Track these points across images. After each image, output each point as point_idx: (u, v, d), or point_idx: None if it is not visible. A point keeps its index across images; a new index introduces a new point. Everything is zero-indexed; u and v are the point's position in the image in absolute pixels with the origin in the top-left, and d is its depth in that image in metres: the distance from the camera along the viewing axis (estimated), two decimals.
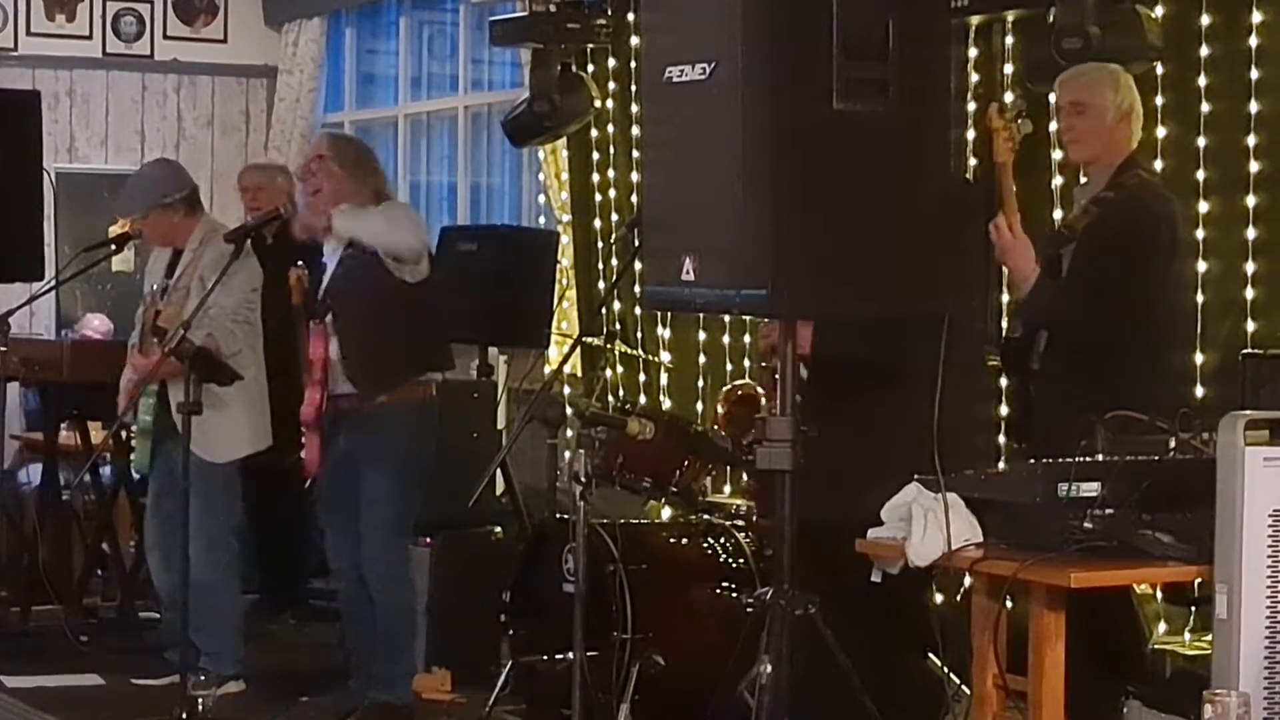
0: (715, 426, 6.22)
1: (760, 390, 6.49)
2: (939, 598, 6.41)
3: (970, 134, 7.08)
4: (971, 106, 7.08)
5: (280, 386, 6.84)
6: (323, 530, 6.75)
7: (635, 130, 8.35)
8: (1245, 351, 5.76)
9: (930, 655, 5.57)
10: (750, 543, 6.21)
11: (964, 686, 5.16)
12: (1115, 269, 5.31)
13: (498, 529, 7.41)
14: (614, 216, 8.89)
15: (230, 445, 6.63)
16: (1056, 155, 6.47)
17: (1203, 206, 6.24)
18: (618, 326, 8.76)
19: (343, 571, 6.54)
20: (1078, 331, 5.33)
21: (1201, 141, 6.29)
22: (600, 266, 9.05)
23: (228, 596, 6.83)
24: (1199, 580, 4.52)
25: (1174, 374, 5.53)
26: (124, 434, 7.48)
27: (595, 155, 9.01)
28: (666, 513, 7.20)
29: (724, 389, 6.36)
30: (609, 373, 8.65)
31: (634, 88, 8.43)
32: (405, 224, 6.30)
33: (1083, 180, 5.68)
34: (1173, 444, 4.58)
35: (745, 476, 6.55)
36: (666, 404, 8.45)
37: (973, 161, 7.07)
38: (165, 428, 6.71)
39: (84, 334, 9.56)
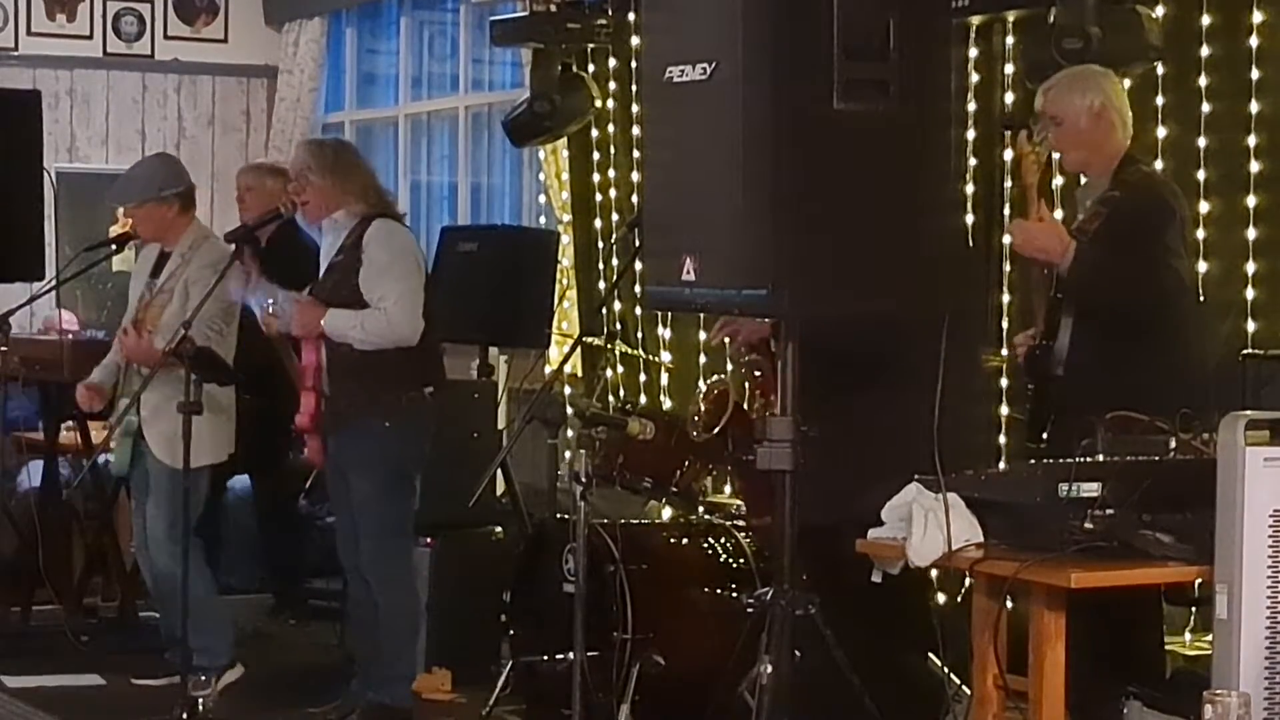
0: (696, 419, 6.16)
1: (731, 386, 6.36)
2: (940, 598, 6.42)
3: (970, 134, 7.08)
4: (972, 106, 7.08)
5: (272, 391, 6.83)
6: (323, 530, 6.76)
7: (635, 130, 8.34)
8: (1245, 351, 5.76)
9: (930, 655, 5.57)
10: (750, 543, 6.20)
11: (964, 686, 5.16)
12: (1137, 257, 5.30)
13: (498, 529, 7.41)
14: (614, 216, 8.89)
15: (192, 453, 6.58)
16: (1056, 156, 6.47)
17: (1203, 207, 6.24)
18: (618, 327, 8.76)
19: (349, 571, 6.54)
20: (1104, 322, 5.33)
21: (1202, 142, 6.29)
22: (601, 266, 9.05)
23: (203, 592, 6.75)
24: (1199, 580, 4.52)
25: (1196, 370, 5.51)
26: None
27: (596, 155, 9.01)
28: (667, 513, 7.20)
29: (701, 390, 6.31)
30: (609, 373, 8.65)
31: (634, 88, 8.43)
32: (389, 329, 6.25)
33: (1083, 181, 5.68)
34: (1173, 444, 4.58)
35: (734, 476, 6.45)
36: (667, 404, 8.44)
37: (973, 162, 7.09)
38: (138, 431, 6.72)
39: (50, 329, 9.36)
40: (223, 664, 6.77)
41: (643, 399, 8.56)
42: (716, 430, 6.04)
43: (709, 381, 6.33)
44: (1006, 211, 6.98)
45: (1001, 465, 6.32)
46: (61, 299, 8.35)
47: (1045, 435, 5.50)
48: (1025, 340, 5.63)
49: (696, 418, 6.11)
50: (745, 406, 6.14)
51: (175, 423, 6.27)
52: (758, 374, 6.05)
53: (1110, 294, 5.29)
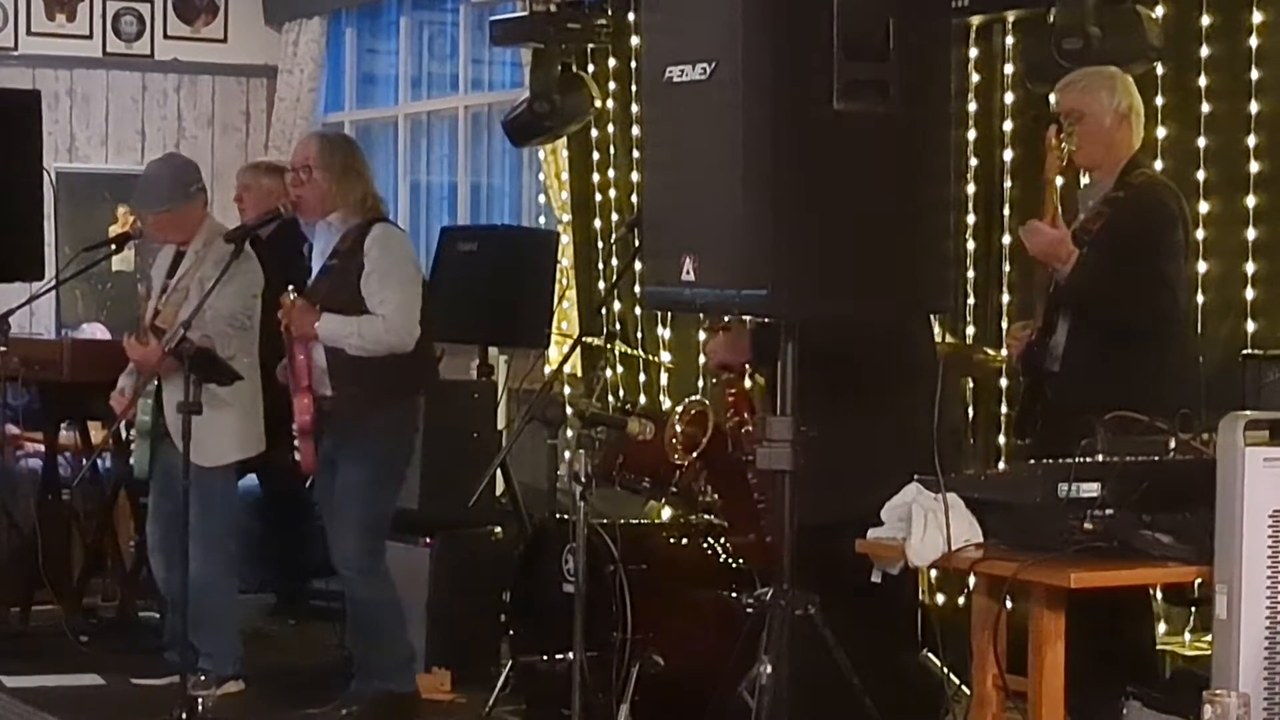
0: (675, 441, 6.13)
1: (709, 406, 6.33)
2: (939, 598, 6.42)
3: (971, 134, 7.08)
4: (972, 106, 7.08)
5: (277, 386, 6.83)
6: (324, 530, 6.76)
7: (635, 130, 8.35)
8: (1245, 352, 5.76)
9: (930, 655, 5.57)
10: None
11: (964, 687, 5.16)
12: (1135, 264, 5.30)
13: (498, 529, 7.41)
14: (614, 216, 8.89)
15: (221, 450, 6.58)
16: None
17: (1203, 207, 6.24)
18: (618, 326, 8.76)
19: (338, 569, 6.54)
20: (1099, 326, 5.34)
21: (1202, 142, 6.30)
22: (600, 266, 9.05)
23: (225, 597, 6.81)
24: (1199, 580, 4.52)
25: (1191, 370, 5.52)
26: (124, 434, 7.48)
27: (595, 155, 9.01)
28: (666, 513, 7.20)
29: (679, 408, 6.28)
30: (609, 373, 8.65)
31: (634, 88, 8.43)
32: (386, 336, 6.25)
33: (1085, 181, 5.67)
34: (1173, 444, 4.58)
35: (715, 494, 6.39)
36: (666, 404, 8.44)
37: (974, 162, 7.09)
38: (161, 429, 6.71)
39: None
40: (227, 674, 6.76)
41: (643, 399, 8.56)
42: (696, 453, 6.03)
43: (685, 402, 6.30)
44: (1006, 211, 6.99)
45: (1001, 465, 6.33)
46: (61, 299, 8.38)
47: (1031, 431, 5.52)
48: (1021, 336, 5.63)
49: (675, 440, 6.09)
50: (723, 424, 6.10)
51: (203, 420, 6.25)
52: (731, 392, 6.04)
53: (1106, 300, 5.31)
